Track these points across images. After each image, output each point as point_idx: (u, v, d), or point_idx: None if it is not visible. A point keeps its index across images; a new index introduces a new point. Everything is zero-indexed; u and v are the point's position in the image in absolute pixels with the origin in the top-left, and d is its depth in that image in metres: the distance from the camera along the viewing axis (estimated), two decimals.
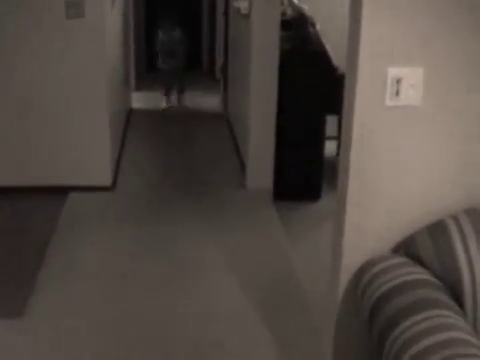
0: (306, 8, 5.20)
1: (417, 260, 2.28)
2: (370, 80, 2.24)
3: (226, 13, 7.25)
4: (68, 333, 3.30)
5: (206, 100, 7.96)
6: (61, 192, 4.91)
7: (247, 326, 3.42)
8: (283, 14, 5.01)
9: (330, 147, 5.63)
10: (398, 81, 2.25)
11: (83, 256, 4.05)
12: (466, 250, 2.21)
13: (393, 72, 2.24)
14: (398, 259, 2.31)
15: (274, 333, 3.34)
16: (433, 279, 2.21)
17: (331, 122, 5.37)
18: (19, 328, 3.34)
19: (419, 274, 2.21)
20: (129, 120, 7.22)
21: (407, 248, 2.34)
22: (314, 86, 4.83)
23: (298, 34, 5.01)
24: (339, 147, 3.12)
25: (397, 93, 2.26)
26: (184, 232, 4.38)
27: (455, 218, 2.27)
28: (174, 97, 7.86)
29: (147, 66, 9.81)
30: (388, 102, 2.27)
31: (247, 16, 5.10)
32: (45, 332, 3.32)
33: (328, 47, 5.03)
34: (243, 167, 5.39)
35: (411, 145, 2.32)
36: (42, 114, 4.87)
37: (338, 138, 5.37)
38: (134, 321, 3.43)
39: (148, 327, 3.39)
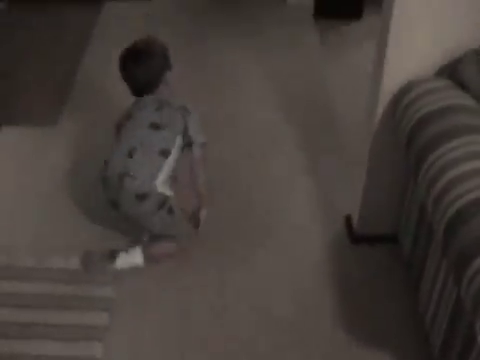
0: None
1: (461, 84, 2.20)
2: None
3: None
4: (100, 143, 3.35)
5: None
6: (95, 1, 4.78)
7: (276, 139, 3.45)
8: None
9: None
10: None
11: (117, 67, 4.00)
12: None
13: None
14: (441, 82, 2.23)
15: (302, 149, 3.37)
16: (475, 105, 2.14)
17: None
18: (53, 136, 3.42)
19: (462, 98, 2.15)
20: None
21: (451, 71, 2.25)
22: None
23: None
24: None
25: None
26: (221, 45, 4.30)
27: None
28: None
29: None
30: None
31: None
32: (79, 140, 3.40)
33: None
34: None
35: None
36: None
37: None
38: None
39: None
